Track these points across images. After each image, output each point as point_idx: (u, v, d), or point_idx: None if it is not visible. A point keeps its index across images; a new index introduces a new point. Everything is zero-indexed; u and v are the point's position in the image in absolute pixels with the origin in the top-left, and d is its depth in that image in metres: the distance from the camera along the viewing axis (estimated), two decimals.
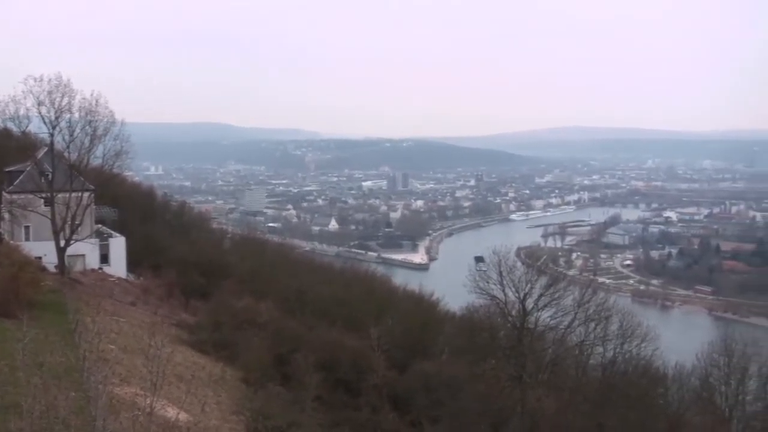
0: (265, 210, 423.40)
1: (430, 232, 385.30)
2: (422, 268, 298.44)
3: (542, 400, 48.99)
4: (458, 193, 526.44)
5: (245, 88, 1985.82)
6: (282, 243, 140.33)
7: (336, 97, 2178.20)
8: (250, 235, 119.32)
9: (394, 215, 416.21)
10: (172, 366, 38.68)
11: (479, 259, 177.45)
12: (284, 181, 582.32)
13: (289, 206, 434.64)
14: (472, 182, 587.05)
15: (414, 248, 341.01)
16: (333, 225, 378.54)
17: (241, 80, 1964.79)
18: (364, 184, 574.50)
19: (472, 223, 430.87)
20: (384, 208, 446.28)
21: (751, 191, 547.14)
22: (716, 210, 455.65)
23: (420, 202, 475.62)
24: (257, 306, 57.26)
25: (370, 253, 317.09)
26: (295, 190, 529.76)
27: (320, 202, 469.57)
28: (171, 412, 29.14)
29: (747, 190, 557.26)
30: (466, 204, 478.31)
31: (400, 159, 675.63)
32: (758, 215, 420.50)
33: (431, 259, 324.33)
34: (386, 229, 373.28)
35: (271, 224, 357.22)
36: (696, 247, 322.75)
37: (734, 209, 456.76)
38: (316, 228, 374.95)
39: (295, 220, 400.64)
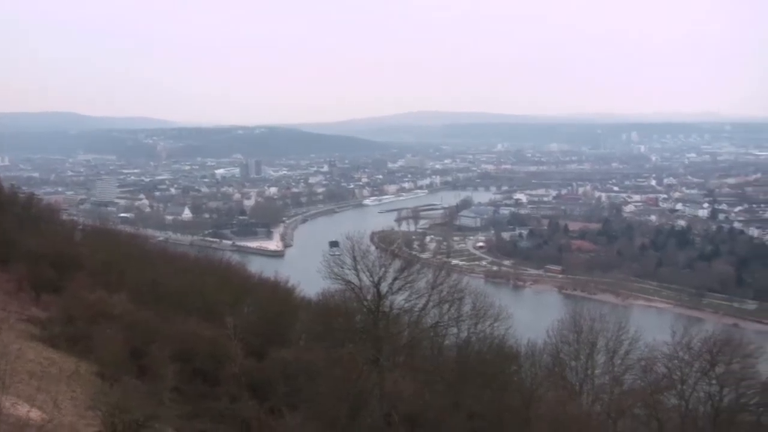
0: (116, 200, 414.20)
1: (285, 219, 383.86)
2: (277, 255, 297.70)
3: (399, 382, 49.62)
4: (312, 180, 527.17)
5: (91, 76, 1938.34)
6: (135, 233, 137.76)
7: (186, 84, 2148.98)
8: (102, 227, 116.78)
9: (248, 203, 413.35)
10: (22, 363, 37.88)
11: (333, 244, 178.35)
12: (136, 171, 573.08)
13: (142, 196, 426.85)
14: (326, 168, 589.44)
15: (269, 235, 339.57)
16: (186, 214, 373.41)
17: (87, 68, 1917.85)
18: (217, 172, 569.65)
19: (327, 209, 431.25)
20: (238, 195, 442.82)
21: (596, 172, 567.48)
22: (564, 191, 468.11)
23: (274, 189, 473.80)
24: (111, 298, 56.21)
25: (224, 241, 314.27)
26: (148, 180, 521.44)
27: (173, 191, 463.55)
28: (22, 410, 28.61)
29: (592, 172, 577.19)
30: (320, 190, 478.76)
31: (253, 146, 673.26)
32: (603, 196, 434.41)
33: (286, 245, 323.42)
34: (240, 217, 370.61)
35: (123, 214, 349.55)
36: (545, 227, 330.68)
37: (581, 190, 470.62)
38: (170, 217, 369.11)
39: (147, 209, 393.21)
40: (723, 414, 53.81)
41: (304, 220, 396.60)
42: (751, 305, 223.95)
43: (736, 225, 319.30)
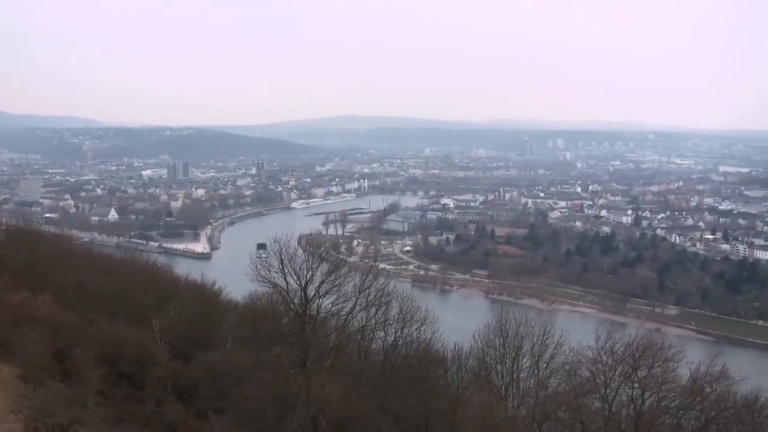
0: (41, 200, 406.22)
1: (212, 221, 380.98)
2: (204, 257, 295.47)
3: (326, 386, 49.62)
4: (239, 182, 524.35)
5: (15, 72, 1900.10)
6: (60, 234, 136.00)
7: (114, 83, 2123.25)
8: (26, 227, 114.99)
9: (175, 204, 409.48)
10: None
11: (261, 247, 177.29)
12: (61, 170, 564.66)
13: (67, 196, 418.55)
14: (253, 171, 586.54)
15: (196, 237, 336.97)
16: (113, 215, 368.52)
17: (9, 63, 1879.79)
18: (143, 173, 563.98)
19: (254, 212, 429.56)
20: (164, 197, 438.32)
21: (523, 178, 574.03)
22: (491, 197, 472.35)
23: (201, 191, 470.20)
24: (34, 300, 55.45)
25: (151, 243, 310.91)
26: (73, 180, 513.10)
27: (99, 191, 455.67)
28: None
29: (519, 178, 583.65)
30: (248, 192, 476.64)
31: (181, 147, 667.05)
32: (530, 201, 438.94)
33: (213, 248, 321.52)
34: (167, 219, 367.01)
35: (48, 215, 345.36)
36: (472, 232, 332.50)
37: (508, 196, 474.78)
38: (95, 218, 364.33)
39: (73, 210, 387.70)
40: (644, 417, 54.55)
41: (232, 223, 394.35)
42: (673, 310, 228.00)
43: (659, 232, 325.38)
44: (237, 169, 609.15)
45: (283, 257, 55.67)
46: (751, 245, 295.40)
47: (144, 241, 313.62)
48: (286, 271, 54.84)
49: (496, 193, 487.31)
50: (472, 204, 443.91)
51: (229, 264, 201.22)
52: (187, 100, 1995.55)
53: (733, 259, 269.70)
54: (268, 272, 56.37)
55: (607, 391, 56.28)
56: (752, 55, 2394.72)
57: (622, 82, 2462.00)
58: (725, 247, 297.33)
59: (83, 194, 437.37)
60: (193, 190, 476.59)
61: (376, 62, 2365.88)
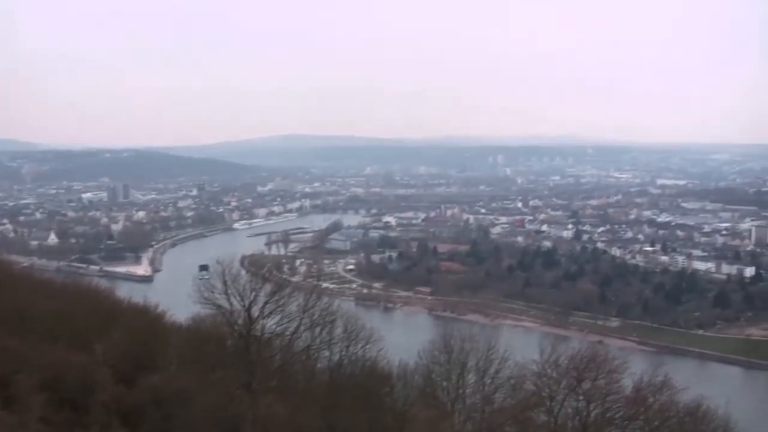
0: None
1: (154, 243, 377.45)
2: (146, 280, 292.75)
3: (273, 407, 49.53)
4: (181, 203, 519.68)
5: None
6: None
7: (53, 105, 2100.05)
8: None
9: (116, 227, 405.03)
10: None
11: (203, 268, 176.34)
12: None
13: (5, 220, 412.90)
14: (195, 192, 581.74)
15: (137, 260, 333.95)
16: (52, 239, 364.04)
17: None
18: (83, 196, 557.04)
19: (196, 233, 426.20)
20: (105, 220, 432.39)
21: (464, 195, 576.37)
22: (432, 214, 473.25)
23: (142, 213, 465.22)
24: None
25: (92, 266, 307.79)
26: (11, 204, 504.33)
27: (38, 215, 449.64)
28: None
29: (460, 194, 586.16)
30: (189, 214, 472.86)
31: (121, 169, 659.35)
32: (471, 218, 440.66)
33: (155, 270, 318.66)
34: (108, 242, 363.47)
35: None
36: (414, 250, 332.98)
37: (449, 213, 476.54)
38: (35, 242, 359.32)
39: (11, 234, 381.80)
40: (590, 428, 55.21)
41: (174, 245, 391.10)
42: (615, 322, 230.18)
43: (599, 245, 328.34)
44: (178, 191, 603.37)
45: (226, 278, 55.76)
46: (689, 256, 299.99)
47: (85, 265, 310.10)
48: (229, 292, 54.98)
49: (438, 210, 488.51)
50: (414, 221, 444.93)
51: (172, 286, 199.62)
52: (126, 120, 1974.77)
53: (673, 271, 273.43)
54: (211, 294, 56.43)
55: (553, 404, 56.85)
56: (687, 70, 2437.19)
57: (561, 98, 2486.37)
58: (664, 258, 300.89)
59: (22, 218, 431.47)
60: (134, 212, 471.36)
61: (317, 81, 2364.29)
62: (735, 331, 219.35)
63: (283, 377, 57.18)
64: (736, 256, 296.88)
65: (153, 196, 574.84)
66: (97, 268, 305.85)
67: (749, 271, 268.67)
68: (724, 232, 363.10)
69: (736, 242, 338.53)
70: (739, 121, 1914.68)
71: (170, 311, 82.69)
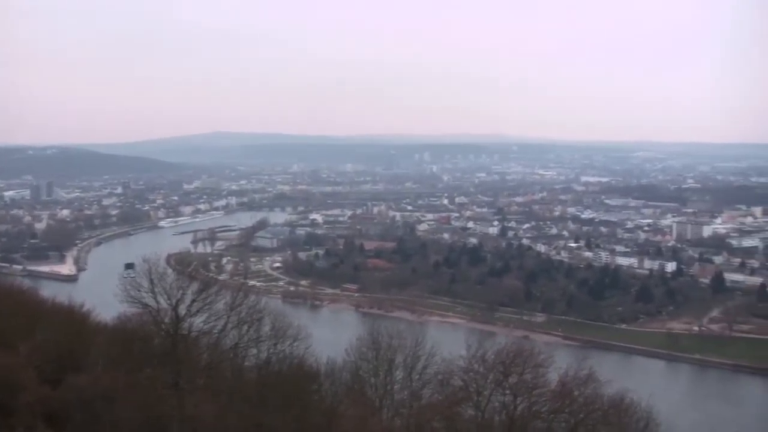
0: None
1: (78, 242, 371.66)
2: (71, 279, 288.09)
3: (201, 406, 49.29)
4: (105, 201, 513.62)
5: None
6: None
7: None
8: None
9: (40, 226, 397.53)
10: None
11: (129, 266, 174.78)
12: None
13: None
14: (120, 190, 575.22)
15: (62, 259, 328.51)
16: None
17: None
18: (6, 194, 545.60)
19: (121, 231, 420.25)
20: (28, 218, 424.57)
21: (391, 192, 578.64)
22: (359, 211, 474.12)
23: (66, 212, 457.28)
24: None
25: (15, 266, 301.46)
26: None
27: None
28: None
29: (386, 191, 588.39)
30: (114, 212, 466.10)
31: (45, 167, 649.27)
32: (398, 215, 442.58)
33: (80, 269, 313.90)
34: (31, 241, 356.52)
35: None
36: (341, 247, 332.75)
37: (376, 210, 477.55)
38: None
39: None
40: (517, 422, 55.72)
41: (99, 243, 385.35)
42: (540, 318, 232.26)
43: (525, 241, 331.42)
44: (103, 189, 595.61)
45: (152, 277, 55.38)
46: (612, 252, 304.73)
47: (7, 264, 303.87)
48: (156, 290, 54.67)
49: (365, 208, 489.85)
50: (341, 219, 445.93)
51: (98, 285, 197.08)
52: (51, 117, 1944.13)
53: (596, 266, 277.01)
54: (137, 292, 56.01)
55: (480, 398, 57.32)
56: (610, 69, 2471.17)
57: (487, 96, 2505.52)
58: (588, 254, 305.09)
59: None
60: (58, 210, 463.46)
61: (244, 78, 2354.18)
62: (657, 325, 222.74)
63: (210, 376, 56.94)
64: (657, 252, 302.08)
65: (77, 194, 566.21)
66: (20, 267, 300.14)
67: (670, 266, 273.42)
68: (646, 228, 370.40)
69: (658, 238, 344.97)
70: (661, 120, 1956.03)
71: (96, 311, 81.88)
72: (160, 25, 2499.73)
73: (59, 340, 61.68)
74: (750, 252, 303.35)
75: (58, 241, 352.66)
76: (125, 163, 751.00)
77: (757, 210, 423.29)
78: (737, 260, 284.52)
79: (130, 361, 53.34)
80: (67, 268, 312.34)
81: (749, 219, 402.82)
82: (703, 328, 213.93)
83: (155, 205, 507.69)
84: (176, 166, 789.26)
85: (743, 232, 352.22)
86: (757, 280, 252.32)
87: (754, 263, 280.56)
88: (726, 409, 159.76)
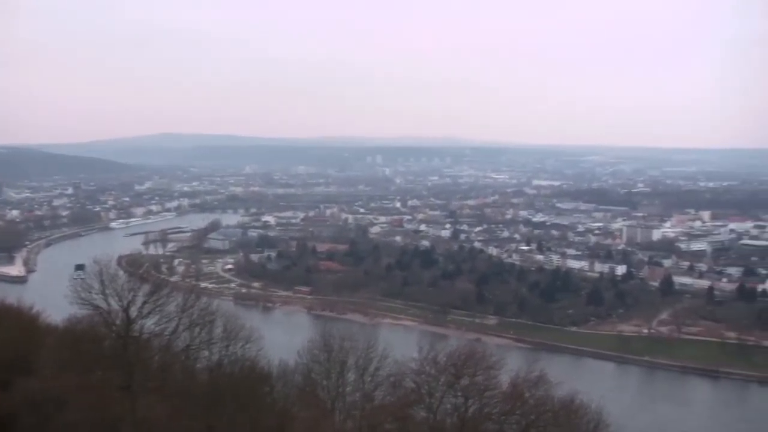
0: None
1: (28, 243, 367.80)
2: (20, 280, 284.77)
3: (153, 408, 49.11)
4: (56, 202, 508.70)
5: None
6: None
7: None
8: None
9: None
10: None
11: (79, 268, 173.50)
12: None
13: None
14: (70, 191, 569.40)
15: (11, 260, 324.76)
16: None
17: None
18: None
19: (72, 233, 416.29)
20: None
21: (343, 195, 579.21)
22: (312, 213, 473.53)
23: (16, 212, 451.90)
24: None
25: None
26: None
27: None
28: None
29: (339, 194, 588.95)
30: (65, 213, 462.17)
31: None
32: (350, 217, 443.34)
33: (29, 270, 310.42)
34: None
35: None
36: (294, 249, 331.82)
37: (328, 212, 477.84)
38: None
39: None
40: (468, 424, 56.09)
41: (49, 244, 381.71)
42: (492, 320, 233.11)
43: (477, 244, 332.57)
44: (53, 189, 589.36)
45: (103, 278, 55.11)
46: (563, 255, 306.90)
47: None
48: (106, 292, 54.41)
49: (317, 210, 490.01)
50: (293, 221, 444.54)
51: (47, 287, 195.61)
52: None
53: (547, 269, 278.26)
54: (88, 294, 55.69)
55: (432, 400, 57.64)
56: (561, 73, 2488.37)
57: (440, 99, 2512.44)
58: (540, 257, 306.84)
59: None
60: (8, 211, 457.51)
61: (196, 79, 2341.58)
62: (607, 327, 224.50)
63: (162, 378, 56.77)
64: (608, 255, 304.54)
65: (27, 194, 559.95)
66: None
67: (620, 270, 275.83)
68: (596, 232, 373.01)
69: (608, 241, 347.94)
70: (611, 124, 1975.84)
71: (46, 312, 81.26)
72: (112, 24, 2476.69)
73: (8, 343, 61.12)
74: (698, 255, 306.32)
75: (8, 242, 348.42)
76: (76, 164, 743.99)
77: (706, 214, 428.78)
78: (686, 263, 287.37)
79: (80, 363, 53.00)
80: (16, 270, 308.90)
81: (698, 223, 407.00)
82: (652, 331, 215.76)
83: (106, 206, 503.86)
84: (128, 167, 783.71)
85: (692, 236, 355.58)
86: (705, 283, 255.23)
87: (703, 266, 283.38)
88: (674, 410, 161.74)
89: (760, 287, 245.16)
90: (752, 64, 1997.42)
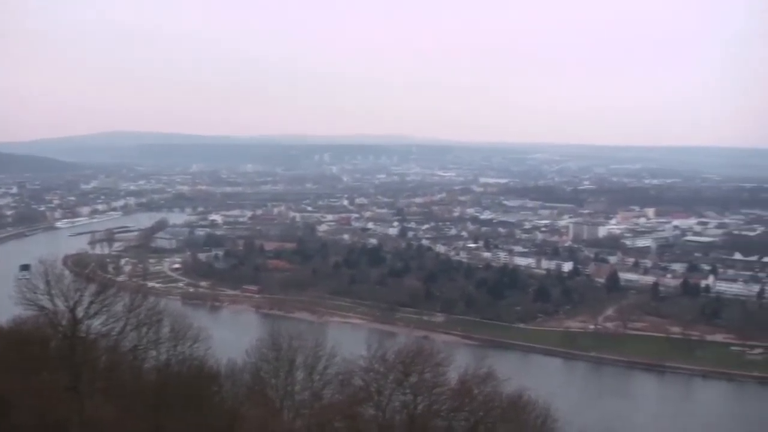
0: None
1: None
2: None
3: (100, 409, 48.79)
4: (0, 202, 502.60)
5: None
6: None
7: None
8: None
9: None
10: None
11: (24, 268, 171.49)
12: None
13: None
14: (15, 190, 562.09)
15: None
16: None
17: None
18: None
19: (16, 233, 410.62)
20: None
21: (291, 193, 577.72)
22: (259, 212, 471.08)
23: None
24: None
25: None
26: None
27: None
28: None
29: (287, 192, 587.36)
30: (9, 212, 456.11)
31: None
32: (298, 216, 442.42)
33: None
34: None
35: None
36: (241, 248, 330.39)
37: (276, 210, 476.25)
38: None
39: None
40: (417, 421, 56.38)
41: None
42: (440, 317, 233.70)
43: (424, 242, 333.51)
44: None
45: (49, 278, 54.67)
46: (510, 252, 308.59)
47: None
48: (52, 292, 53.97)
49: (265, 208, 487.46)
50: (241, 219, 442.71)
51: None
52: None
53: (495, 266, 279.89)
54: (33, 294, 55.24)
55: (381, 398, 57.83)
56: (506, 72, 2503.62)
57: (386, 97, 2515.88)
58: (487, 255, 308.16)
59: None
60: None
61: (142, 77, 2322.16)
62: (554, 323, 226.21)
63: (110, 378, 56.38)
64: (554, 252, 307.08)
65: None
66: None
67: (567, 266, 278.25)
68: (543, 229, 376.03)
69: (555, 238, 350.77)
70: (557, 122, 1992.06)
71: None
72: (58, 22, 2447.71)
73: None
74: (643, 252, 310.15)
75: None
76: (21, 163, 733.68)
77: (650, 211, 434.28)
78: (631, 260, 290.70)
79: (26, 364, 52.45)
80: None
81: (642, 220, 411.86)
82: (598, 327, 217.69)
83: (52, 205, 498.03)
84: (73, 166, 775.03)
85: (637, 233, 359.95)
86: (650, 279, 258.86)
87: (647, 263, 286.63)
88: (621, 404, 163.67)
89: (703, 283, 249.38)
90: (685, 61, 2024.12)
